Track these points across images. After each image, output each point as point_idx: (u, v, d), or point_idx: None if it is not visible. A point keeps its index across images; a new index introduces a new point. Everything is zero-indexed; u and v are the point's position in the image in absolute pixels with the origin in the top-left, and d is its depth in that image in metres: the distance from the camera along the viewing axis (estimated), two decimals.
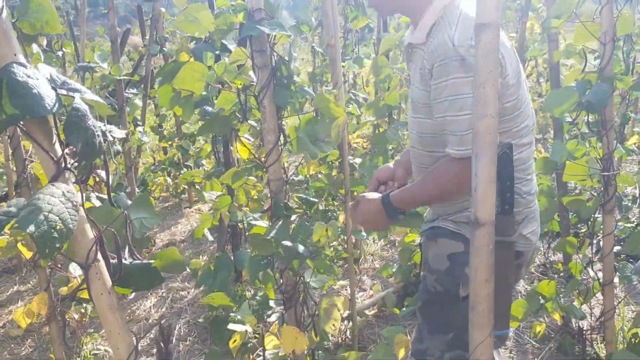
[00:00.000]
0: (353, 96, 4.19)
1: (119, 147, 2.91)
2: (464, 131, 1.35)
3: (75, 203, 0.71)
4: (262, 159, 1.63)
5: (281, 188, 1.65)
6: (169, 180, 4.79)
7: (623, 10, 1.89)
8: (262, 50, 1.54)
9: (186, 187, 4.70)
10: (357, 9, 4.40)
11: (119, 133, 2.09)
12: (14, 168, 3.17)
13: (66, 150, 0.81)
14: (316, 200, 1.67)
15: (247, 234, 2.50)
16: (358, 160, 3.45)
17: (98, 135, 0.77)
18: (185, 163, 4.75)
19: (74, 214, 0.69)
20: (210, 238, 2.74)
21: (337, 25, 2.44)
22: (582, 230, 3.28)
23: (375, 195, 1.53)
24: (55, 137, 0.78)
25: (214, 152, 3.13)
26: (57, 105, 0.75)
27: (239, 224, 2.51)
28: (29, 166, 1.97)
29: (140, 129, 4.11)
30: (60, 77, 0.79)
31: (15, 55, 0.73)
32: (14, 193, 2.96)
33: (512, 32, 6.22)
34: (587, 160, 1.95)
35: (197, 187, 4.28)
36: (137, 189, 4.39)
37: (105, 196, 1.18)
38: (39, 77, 0.75)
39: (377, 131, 3.40)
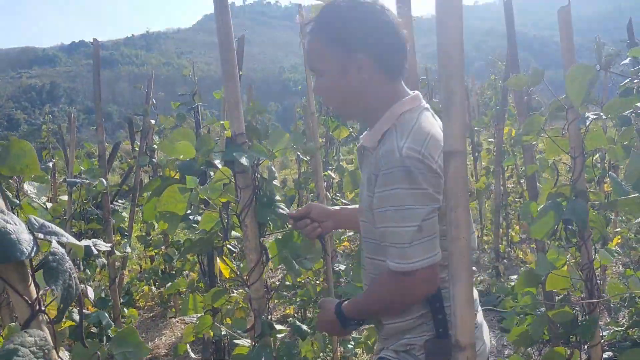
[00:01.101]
0: (335, 202, 4.26)
1: (104, 260, 2.89)
2: (406, 244, 1.28)
3: (47, 351, 0.71)
4: (245, 277, 1.63)
5: (264, 306, 1.64)
6: (153, 289, 4.71)
7: (591, 125, 1.99)
8: (243, 172, 1.60)
9: (172, 295, 4.62)
10: (338, 120, 4.59)
11: (103, 246, 2.09)
12: None
13: (41, 292, 0.82)
14: (308, 330, 1.65)
15: (230, 349, 2.43)
16: (343, 267, 3.45)
17: (74, 276, 0.78)
18: (171, 272, 4.70)
19: None
20: (193, 355, 2.66)
21: (316, 138, 2.54)
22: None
23: (330, 305, 1.51)
24: (30, 280, 0.79)
25: (199, 263, 3.11)
26: (34, 250, 0.76)
27: (223, 339, 2.45)
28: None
29: (126, 239, 4.11)
30: (38, 220, 0.82)
31: None
32: None
33: (489, 137, 6.44)
34: (568, 270, 1.96)
35: (182, 296, 4.21)
36: (120, 300, 4.30)
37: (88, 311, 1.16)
38: (16, 222, 0.77)
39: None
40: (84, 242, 2.00)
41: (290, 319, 4.12)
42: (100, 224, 3.17)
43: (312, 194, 4.62)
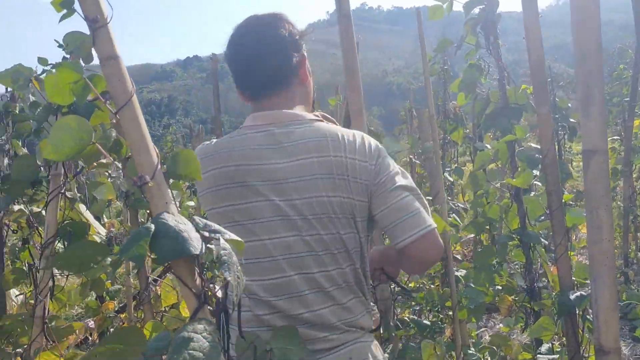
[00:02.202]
0: (453, 206, 4.18)
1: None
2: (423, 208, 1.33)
3: (215, 336, 0.78)
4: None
5: (390, 307, 1.68)
6: None
7: None
8: None
9: None
10: (456, 121, 4.47)
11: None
12: (135, 282, 3.43)
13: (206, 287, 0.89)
14: (428, 323, 1.67)
15: None
16: (462, 272, 3.39)
17: (240, 268, 0.86)
18: None
19: (215, 346, 0.76)
20: None
21: (436, 140, 2.53)
22: None
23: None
24: (197, 275, 0.86)
25: None
26: (203, 247, 0.84)
27: None
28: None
29: None
30: (202, 220, 0.90)
31: (166, 203, 0.83)
32: (132, 305, 3.17)
33: (612, 135, 6.03)
34: None
35: None
36: None
37: None
38: (186, 222, 0.85)
39: (477, 247, 3.34)
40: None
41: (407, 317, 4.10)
42: None
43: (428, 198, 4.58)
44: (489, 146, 3.73)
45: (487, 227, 3.03)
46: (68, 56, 2.05)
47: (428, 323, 1.68)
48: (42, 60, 2.10)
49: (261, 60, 1.35)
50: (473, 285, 2.72)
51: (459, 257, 4.98)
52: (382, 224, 1.31)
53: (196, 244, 0.81)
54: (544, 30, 1.73)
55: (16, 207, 2.21)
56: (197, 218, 0.88)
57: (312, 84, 1.47)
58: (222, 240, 0.86)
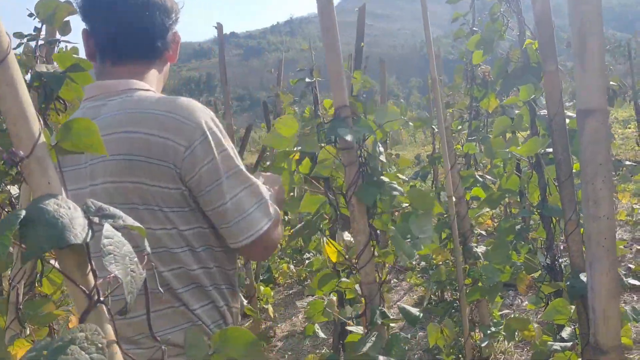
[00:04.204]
0: (479, 178, 3.95)
1: None
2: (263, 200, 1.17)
3: (100, 345, 0.65)
4: (354, 261, 1.51)
5: (375, 292, 1.51)
6: (292, 267, 4.81)
7: None
8: (348, 148, 1.47)
9: (308, 274, 4.69)
10: (486, 87, 4.13)
11: None
12: None
13: (99, 282, 0.76)
14: (418, 314, 1.50)
15: None
16: (482, 249, 3.18)
17: (136, 260, 0.72)
18: (308, 249, 4.77)
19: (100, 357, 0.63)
20: (322, 335, 2.63)
21: (439, 106, 2.32)
22: None
23: None
24: (88, 269, 0.73)
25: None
26: (89, 234, 0.70)
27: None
28: None
29: None
30: (95, 204, 0.76)
31: (49, 183, 0.70)
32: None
33: None
34: None
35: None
36: (260, 277, 4.45)
37: None
38: (71, 206, 0.71)
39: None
40: None
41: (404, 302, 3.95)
42: None
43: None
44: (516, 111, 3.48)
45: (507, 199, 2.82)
46: (40, 26, 1.93)
47: (417, 314, 1.51)
48: (18, 35, 1.99)
49: (133, 25, 1.17)
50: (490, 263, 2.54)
51: (483, 232, 4.76)
52: (213, 221, 1.12)
53: (79, 231, 0.67)
54: None
55: None
56: (90, 201, 0.74)
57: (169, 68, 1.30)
58: (107, 226, 0.72)
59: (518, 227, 2.57)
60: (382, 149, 1.46)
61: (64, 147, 0.78)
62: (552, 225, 2.33)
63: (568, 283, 1.51)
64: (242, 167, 1.14)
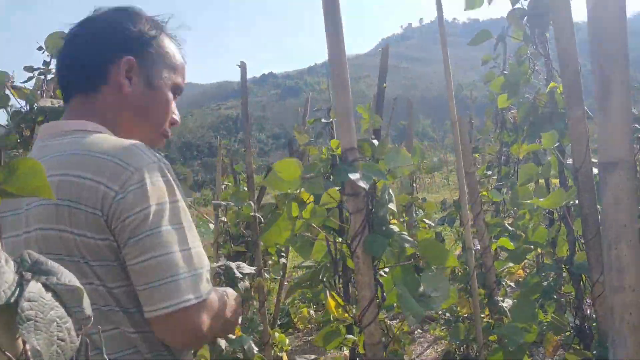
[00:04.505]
0: (509, 227, 3.75)
1: (247, 283, 2.85)
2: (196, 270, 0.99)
3: None
4: (357, 318, 1.39)
5: (381, 354, 1.38)
6: (312, 312, 4.66)
7: None
8: (355, 194, 1.37)
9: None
10: (516, 132, 3.95)
11: (247, 269, 1.99)
12: None
13: (29, 347, 0.65)
14: None
15: None
16: (509, 303, 2.99)
17: (67, 327, 0.62)
18: None
19: None
20: None
21: (458, 150, 2.19)
22: None
23: None
24: (18, 333, 0.63)
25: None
26: (15, 293, 0.61)
27: None
28: None
29: (283, 259, 4.11)
30: (33, 257, 0.67)
31: None
32: None
33: None
34: None
35: None
36: (278, 322, 4.31)
37: None
38: (2, 257, 0.63)
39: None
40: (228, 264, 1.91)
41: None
42: (249, 246, 3.17)
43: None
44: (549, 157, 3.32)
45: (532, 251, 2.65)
46: (49, 59, 1.93)
47: None
48: (28, 68, 1.99)
49: (70, 56, 1.13)
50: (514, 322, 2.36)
51: (512, 284, 4.53)
52: (133, 281, 0.97)
53: (4, 289, 0.59)
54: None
55: None
56: (27, 253, 0.66)
57: (156, 96, 1.16)
58: (31, 285, 0.63)
59: (545, 283, 2.39)
60: (392, 196, 1.35)
61: (8, 190, 0.71)
62: (581, 283, 2.17)
63: (595, 352, 1.36)
64: (187, 227, 1.00)
